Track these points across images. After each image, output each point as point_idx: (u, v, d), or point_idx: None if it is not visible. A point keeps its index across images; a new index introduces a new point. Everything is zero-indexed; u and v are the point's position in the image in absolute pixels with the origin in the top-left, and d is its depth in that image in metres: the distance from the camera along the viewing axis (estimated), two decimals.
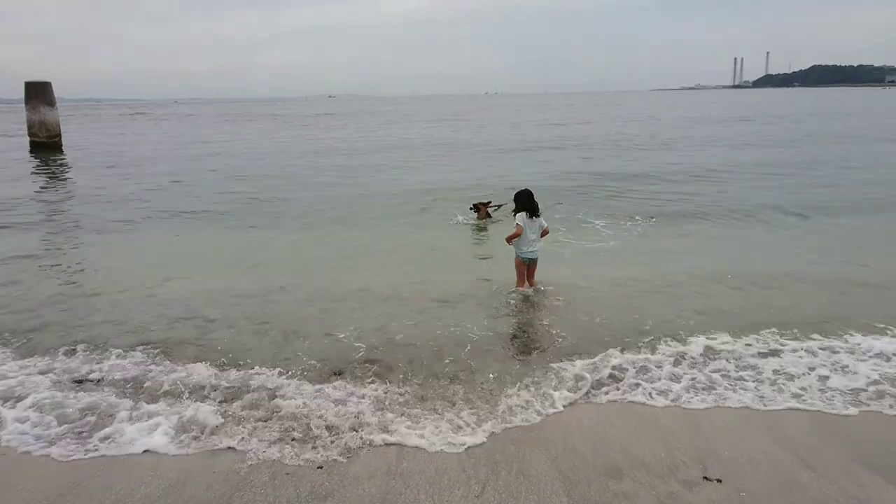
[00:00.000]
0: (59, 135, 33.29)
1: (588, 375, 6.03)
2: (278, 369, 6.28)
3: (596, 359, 6.38)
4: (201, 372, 6.26)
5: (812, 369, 6.16)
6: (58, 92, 32.97)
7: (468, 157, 27.63)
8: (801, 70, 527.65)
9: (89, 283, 9.50)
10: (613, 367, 6.20)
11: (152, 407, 5.53)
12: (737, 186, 18.18)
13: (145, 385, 6.02)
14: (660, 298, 8.36)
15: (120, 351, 6.81)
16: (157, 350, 6.86)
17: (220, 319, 7.83)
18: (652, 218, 13.81)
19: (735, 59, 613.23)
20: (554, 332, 7.20)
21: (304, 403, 5.50)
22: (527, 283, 8.68)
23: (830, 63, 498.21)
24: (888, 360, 6.36)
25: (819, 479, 4.41)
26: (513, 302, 8.27)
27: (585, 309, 7.89)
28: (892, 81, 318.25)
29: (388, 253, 11.43)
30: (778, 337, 6.91)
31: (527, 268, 8.63)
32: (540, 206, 8.55)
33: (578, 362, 6.31)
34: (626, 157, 26.60)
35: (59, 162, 27.96)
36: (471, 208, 13.99)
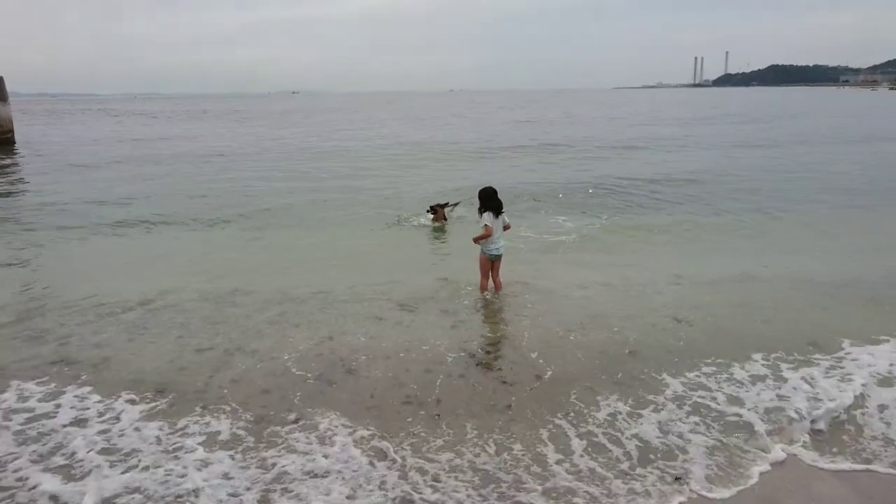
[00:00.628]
0: (11, 130, 32.29)
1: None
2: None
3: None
4: None
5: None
6: (11, 86, 31.91)
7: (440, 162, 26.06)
8: (759, 69, 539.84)
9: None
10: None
11: None
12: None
13: None
14: (627, 302, 8.32)
15: None
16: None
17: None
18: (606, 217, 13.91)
19: (696, 58, 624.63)
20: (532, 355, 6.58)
21: None
22: (491, 282, 8.62)
23: (788, 63, 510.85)
24: None
25: None
26: (480, 314, 8.07)
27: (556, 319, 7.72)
28: (846, 81, 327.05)
29: (342, 256, 11.17)
30: None
31: (492, 264, 8.54)
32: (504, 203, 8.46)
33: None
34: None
35: (7, 160, 26.89)
36: (427, 211, 13.43)
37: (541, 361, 6.39)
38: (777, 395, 5.63)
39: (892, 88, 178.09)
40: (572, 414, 5.36)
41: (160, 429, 5.20)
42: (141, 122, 58.94)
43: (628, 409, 5.45)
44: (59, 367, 6.40)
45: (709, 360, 6.36)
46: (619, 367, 6.26)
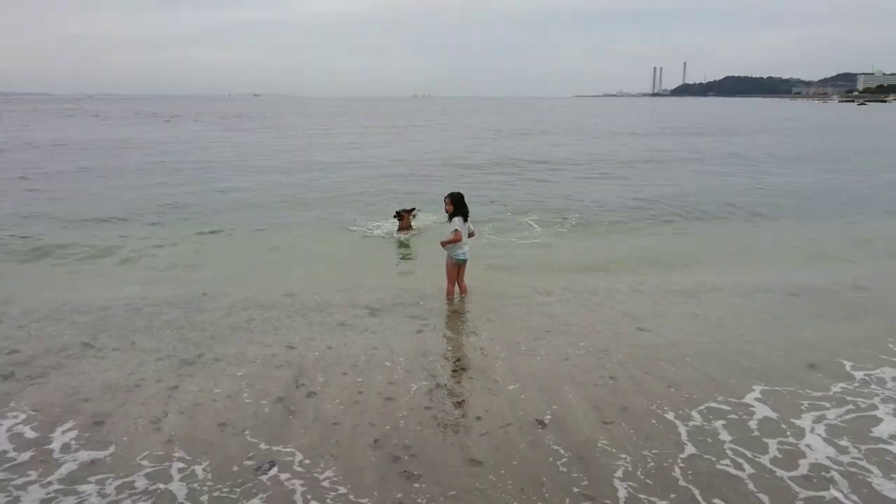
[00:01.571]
0: None
1: None
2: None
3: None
4: None
5: None
6: None
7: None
8: (715, 80, 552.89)
9: None
10: None
11: None
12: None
13: None
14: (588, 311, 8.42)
15: None
16: None
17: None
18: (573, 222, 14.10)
19: (654, 68, 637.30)
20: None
21: None
22: (456, 287, 8.68)
23: (743, 74, 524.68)
24: None
25: None
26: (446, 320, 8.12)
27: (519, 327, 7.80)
28: (798, 93, 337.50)
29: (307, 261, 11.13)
30: None
31: (458, 269, 8.57)
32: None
33: None
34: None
35: None
36: (394, 216, 12.92)
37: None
38: None
39: (843, 101, 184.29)
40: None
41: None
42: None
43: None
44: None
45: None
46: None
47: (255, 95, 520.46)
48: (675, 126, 58.35)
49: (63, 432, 5.19)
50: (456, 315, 8.15)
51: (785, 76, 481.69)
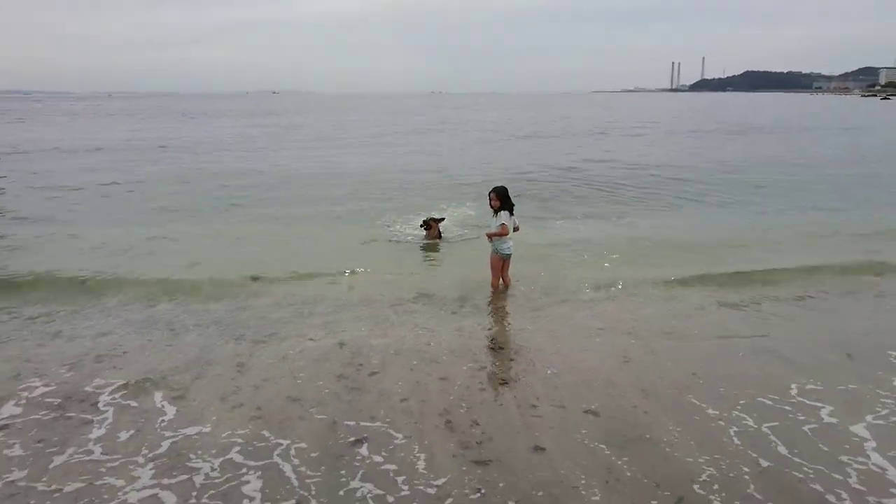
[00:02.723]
0: None
1: None
2: None
3: None
4: None
5: None
6: None
7: None
8: (734, 75, 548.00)
9: None
10: None
11: None
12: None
13: None
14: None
15: None
16: None
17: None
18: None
19: (673, 63, 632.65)
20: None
21: None
22: (501, 281, 8.77)
23: (762, 69, 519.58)
24: None
25: None
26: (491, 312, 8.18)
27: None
28: (819, 88, 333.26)
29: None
30: None
31: (503, 263, 8.66)
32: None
33: None
34: None
35: None
36: (421, 225, 11.80)
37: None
38: None
39: (864, 96, 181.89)
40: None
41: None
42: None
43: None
44: None
45: None
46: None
47: (273, 93, 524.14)
48: (732, 123, 52.52)
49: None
50: (501, 306, 8.23)
51: (805, 71, 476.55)
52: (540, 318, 7.78)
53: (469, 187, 17.56)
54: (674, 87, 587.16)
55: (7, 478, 4.47)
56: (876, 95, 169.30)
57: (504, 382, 5.98)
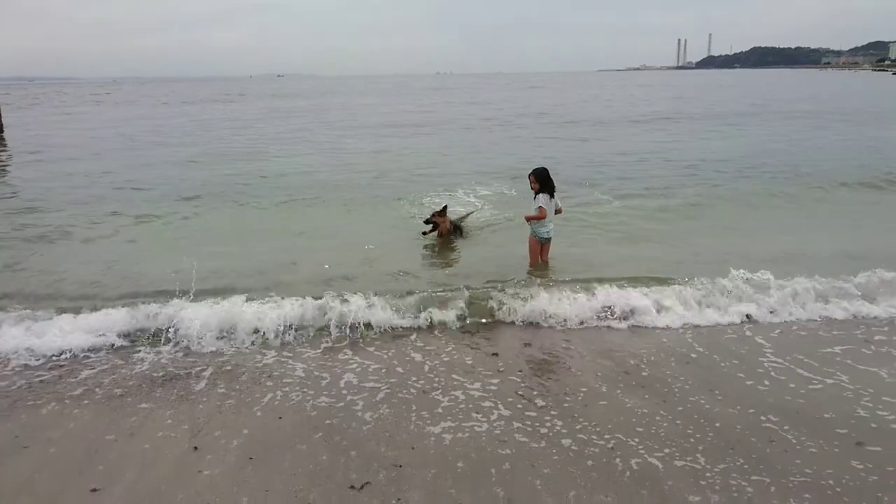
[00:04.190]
0: None
1: None
2: None
3: None
4: None
5: None
6: None
7: None
8: (742, 52, 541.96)
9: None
10: None
11: None
12: None
13: None
14: None
15: None
16: None
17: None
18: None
19: (679, 40, 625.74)
20: None
21: None
22: (540, 260, 8.59)
23: (770, 45, 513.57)
24: None
25: None
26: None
27: None
28: (828, 63, 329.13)
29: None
30: None
31: (541, 247, 8.49)
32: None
33: None
34: None
35: None
36: (426, 221, 9.88)
37: None
38: None
39: (875, 70, 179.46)
40: None
41: None
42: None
43: None
44: None
45: None
46: None
47: (278, 76, 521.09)
48: (762, 102, 48.19)
49: None
50: (542, 279, 7.92)
51: (814, 46, 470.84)
52: None
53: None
54: (680, 64, 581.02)
55: None
56: (886, 70, 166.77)
57: None
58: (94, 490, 4.02)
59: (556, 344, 6.26)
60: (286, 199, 13.85)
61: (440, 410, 4.93)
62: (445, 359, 5.91)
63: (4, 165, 20.02)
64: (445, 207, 10.04)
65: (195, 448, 4.45)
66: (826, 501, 3.83)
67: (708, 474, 4.09)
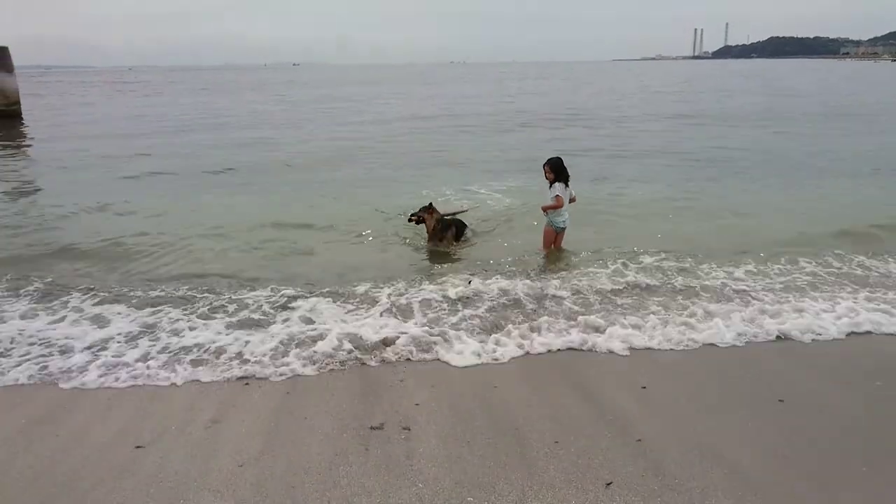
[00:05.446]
0: (17, 102, 31.46)
1: None
2: None
3: None
4: None
5: None
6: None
7: None
8: (759, 41, 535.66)
9: None
10: None
11: None
12: None
13: None
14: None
15: None
16: None
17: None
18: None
19: (695, 30, 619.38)
20: None
21: None
22: (554, 247, 8.55)
23: (788, 35, 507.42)
24: None
25: None
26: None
27: None
28: (847, 53, 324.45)
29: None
30: None
31: (555, 236, 8.47)
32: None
33: None
34: None
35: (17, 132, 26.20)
36: (410, 219, 9.05)
37: None
38: None
39: (894, 60, 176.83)
40: None
41: None
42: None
43: None
44: None
45: None
46: None
47: (294, 65, 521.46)
48: (790, 92, 47.58)
49: None
50: (556, 263, 8.02)
51: (832, 35, 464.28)
52: None
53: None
54: (696, 54, 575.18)
55: None
56: None
57: None
58: None
59: None
60: None
61: None
62: None
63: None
64: (431, 204, 9.08)
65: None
66: None
67: None
